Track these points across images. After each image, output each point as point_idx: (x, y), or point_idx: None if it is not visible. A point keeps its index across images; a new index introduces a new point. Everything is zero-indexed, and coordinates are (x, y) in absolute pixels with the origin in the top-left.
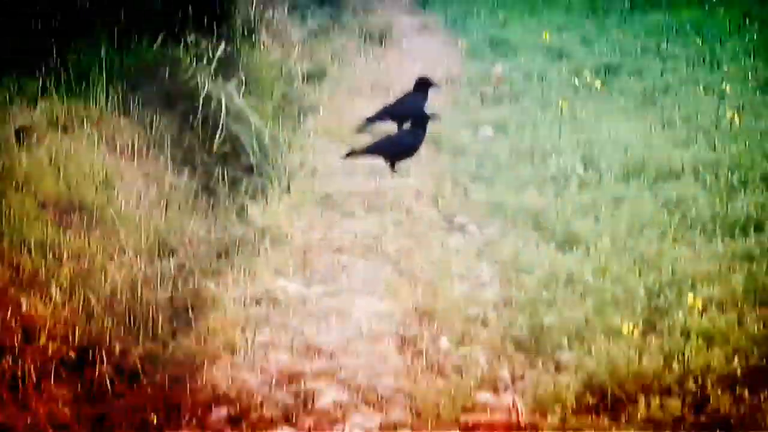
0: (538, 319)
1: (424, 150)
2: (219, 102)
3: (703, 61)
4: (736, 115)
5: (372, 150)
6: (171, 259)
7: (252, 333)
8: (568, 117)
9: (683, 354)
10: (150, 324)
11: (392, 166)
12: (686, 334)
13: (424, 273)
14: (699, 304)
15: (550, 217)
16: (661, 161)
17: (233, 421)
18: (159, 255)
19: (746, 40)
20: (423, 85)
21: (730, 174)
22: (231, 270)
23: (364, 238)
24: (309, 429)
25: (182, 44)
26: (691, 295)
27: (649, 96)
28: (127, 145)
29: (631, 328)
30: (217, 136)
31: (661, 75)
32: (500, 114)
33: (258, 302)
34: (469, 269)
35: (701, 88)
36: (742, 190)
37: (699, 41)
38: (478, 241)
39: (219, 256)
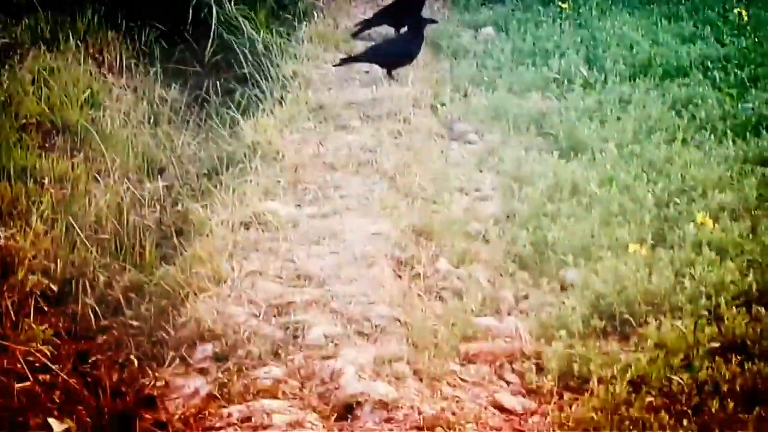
0: (541, 233)
1: (422, 54)
2: (210, 9)
3: None
4: (743, 7)
5: (367, 56)
6: (159, 179)
7: (239, 260)
8: (570, 12)
9: (694, 269)
10: (136, 251)
11: (389, 73)
12: (698, 246)
13: (422, 188)
14: (710, 213)
15: (553, 122)
16: (667, 58)
17: (219, 358)
18: (147, 175)
19: None
20: None
21: (739, 70)
22: (219, 191)
23: (358, 152)
24: (298, 366)
25: None
26: (702, 203)
27: None
28: (115, 60)
29: (639, 244)
30: (209, 45)
31: None
32: (501, 12)
33: (247, 226)
34: (469, 181)
35: None
36: (753, 88)
37: None
38: (479, 150)
39: (208, 175)
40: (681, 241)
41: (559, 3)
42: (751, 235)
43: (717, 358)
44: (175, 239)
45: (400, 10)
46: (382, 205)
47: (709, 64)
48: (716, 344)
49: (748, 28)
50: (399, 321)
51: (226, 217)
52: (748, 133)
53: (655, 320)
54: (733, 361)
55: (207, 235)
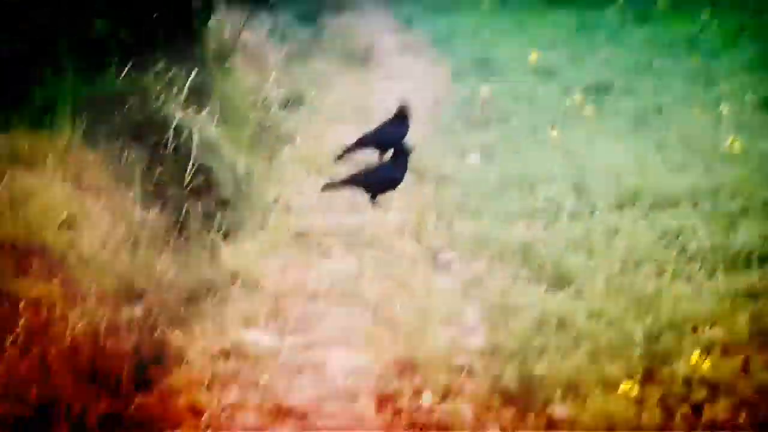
0: (528, 368)
1: (406, 179)
2: (190, 132)
3: (699, 77)
4: (734, 137)
5: (352, 182)
6: (136, 305)
7: (218, 392)
8: (558, 141)
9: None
10: (112, 378)
11: (373, 198)
12: (688, 384)
13: (406, 319)
14: (701, 349)
15: (539, 252)
16: (656, 188)
17: None
18: (125, 300)
19: (743, 54)
20: (404, 112)
21: (730, 201)
22: (199, 318)
23: (341, 281)
24: None
25: (151, 72)
26: (693, 339)
27: (642, 117)
28: (94, 181)
29: (628, 382)
30: (189, 168)
31: (654, 94)
32: (487, 139)
33: (226, 356)
34: (453, 313)
35: (697, 108)
36: (744, 220)
37: (693, 56)
38: (464, 280)
39: (187, 302)
40: (672, 378)
41: (549, 131)
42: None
43: None
44: (152, 367)
45: (385, 135)
46: (365, 338)
47: (699, 195)
48: None
49: (739, 158)
50: None
51: (205, 346)
52: (739, 266)
53: None
54: None
55: (185, 365)
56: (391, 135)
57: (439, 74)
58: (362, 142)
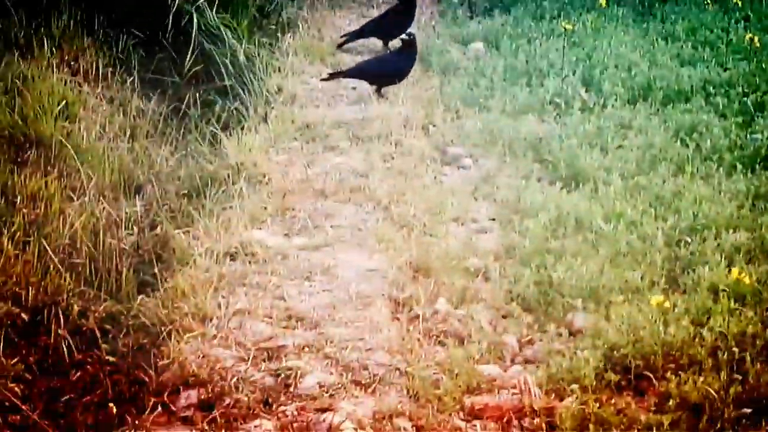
0: (545, 273)
1: (412, 70)
2: (190, 18)
3: None
4: (747, 29)
5: (356, 73)
6: (136, 199)
7: (225, 296)
8: (563, 29)
9: (713, 319)
10: (112, 278)
11: (378, 91)
12: (714, 293)
13: (417, 219)
14: (724, 255)
15: (552, 149)
16: (667, 81)
17: (204, 407)
18: (124, 194)
19: None
20: (409, 1)
21: (744, 97)
22: (202, 216)
23: (349, 177)
24: (291, 420)
25: None
26: (715, 243)
27: (648, 4)
28: (91, 68)
29: (655, 294)
30: (189, 54)
31: None
32: (492, 27)
33: (233, 257)
34: (465, 211)
35: None
36: (759, 116)
37: None
38: (474, 177)
39: (189, 196)
40: (696, 286)
41: (554, 19)
42: None
43: (744, 421)
44: (154, 266)
45: (388, 23)
46: (377, 238)
47: (711, 89)
48: (747, 410)
49: (751, 51)
50: (399, 370)
51: (210, 246)
52: (758, 166)
53: (675, 376)
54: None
55: (189, 266)
56: (395, 24)
57: None
58: (365, 30)
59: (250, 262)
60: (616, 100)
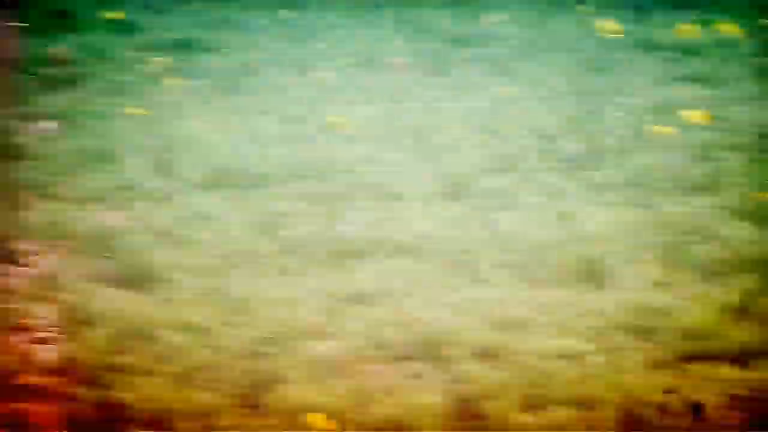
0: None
1: None
2: None
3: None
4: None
5: None
6: None
7: None
8: (140, 110)
9: None
10: None
11: None
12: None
13: None
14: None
15: (125, 243)
16: (251, 165)
17: None
18: None
19: None
20: None
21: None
22: None
23: None
24: None
25: None
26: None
27: (230, 78)
28: None
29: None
30: None
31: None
32: (61, 102)
33: None
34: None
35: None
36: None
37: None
38: (35, 276)
39: None
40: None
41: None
42: None
43: None
44: None
45: None
46: None
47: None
48: None
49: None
50: None
51: None
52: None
53: None
54: None
55: None
56: None
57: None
58: None
59: None
60: (191, 187)
